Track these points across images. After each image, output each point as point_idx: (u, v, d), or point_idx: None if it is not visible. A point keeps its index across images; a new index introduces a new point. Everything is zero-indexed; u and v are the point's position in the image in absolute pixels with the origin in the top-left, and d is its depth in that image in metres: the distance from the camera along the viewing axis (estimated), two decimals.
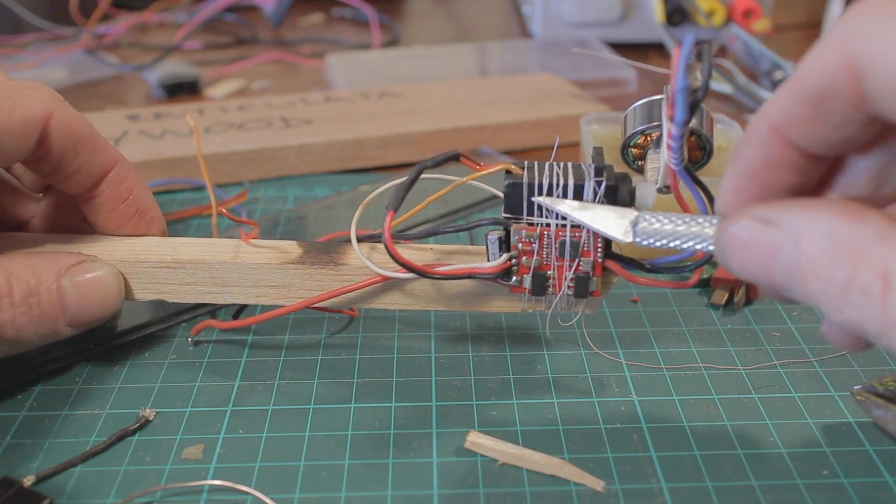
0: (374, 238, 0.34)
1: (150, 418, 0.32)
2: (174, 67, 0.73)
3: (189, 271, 0.33)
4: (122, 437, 0.31)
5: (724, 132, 0.47)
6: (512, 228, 0.30)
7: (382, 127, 0.58)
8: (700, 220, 0.26)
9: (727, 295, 0.39)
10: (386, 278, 0.32)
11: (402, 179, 0.30)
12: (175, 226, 0.48)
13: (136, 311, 0.39)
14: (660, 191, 0.31)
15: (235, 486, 0.29)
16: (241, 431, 0.32)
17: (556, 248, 0.30)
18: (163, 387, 0.34)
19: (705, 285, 0.41)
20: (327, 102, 0.63)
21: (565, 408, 0.33)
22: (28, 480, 0.29)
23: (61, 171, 0.33)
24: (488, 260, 0.31)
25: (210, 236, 0.35)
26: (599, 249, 0.30)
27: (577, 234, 0.30)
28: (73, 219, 0.36)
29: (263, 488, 0.29)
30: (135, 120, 0.59)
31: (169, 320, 0.38)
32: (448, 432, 0.32)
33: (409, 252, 0.33)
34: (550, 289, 0.31)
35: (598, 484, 0.29)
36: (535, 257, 0.31)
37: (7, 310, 0.30)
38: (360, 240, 0.33)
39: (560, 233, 0.30)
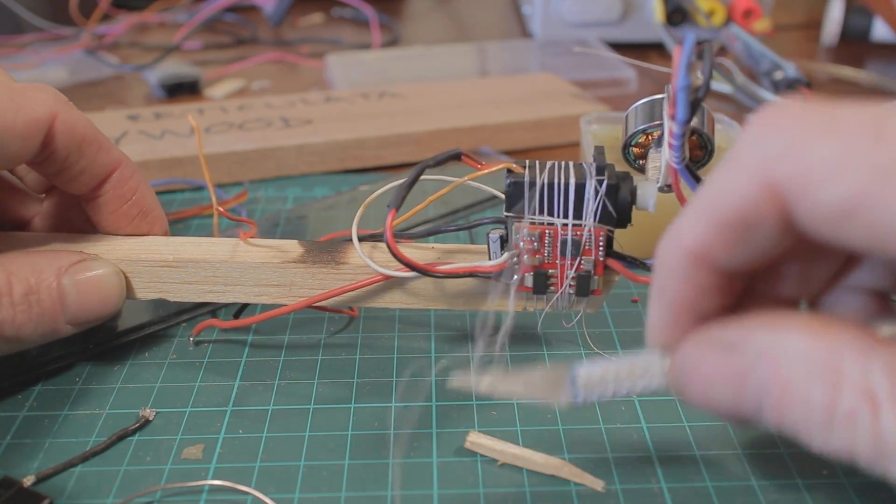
0: (376, 237, 0.34)
1: (150, 418, 0.32)
2: (174, 67, 0.73)
3: (190, 270, 0.33)
4: (122, 437, 0.31)
5: (725, 132, 0.47)
6: (513, 227, 0.30)
7: (382, 127, 0.58)
8: (642, 356, 0.25)
9: None
10: (387, 277, 0.32)
11: (403, 179, 0.30)
12: (175, 225, 0.48)
13: (136, 311, 0.39)
14: (661, 189, 0.31)
15: (235, 487, 0.29)
16: (241, 431, 0.32)
17: (557, 246, 0.31)
18: (163, 387, 0.34)
19: None
20: (327, 102, 0.63)
21: (565, 408, 0.33)
22: (28, 480, 0.29)
23: (65, 172, 0.33)
24: (490, 258, 0.32)
25: (211, 236, 0.35)
26: (601, 248, 0.31)
27: (578, 233, 0.30)
28: (75, 218, 0.36)
29: (263, 488, 0.29)
30: (135, 120, 0.59)
31: (169, 320, 0.38)
32: (448, 432, 0.32)
33: (410, 251, 0.33)
34: (552, 287, 0.31)
35: (598, 484, 0.29)
36: (536, 256, 0.31)
37: (7, 308, 0.30)
38: (361, 239, 0.33)
39: (562, 232, 0.30)
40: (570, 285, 0.31)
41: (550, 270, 0.31)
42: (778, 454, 0.30)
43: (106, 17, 0.92)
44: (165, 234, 0.36)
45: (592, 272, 0.31)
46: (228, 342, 0.37)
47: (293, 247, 0.34)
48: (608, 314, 0.39)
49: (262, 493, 0.29)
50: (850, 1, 0.84)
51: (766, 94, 0.64)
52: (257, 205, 0.51)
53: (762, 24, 0.78)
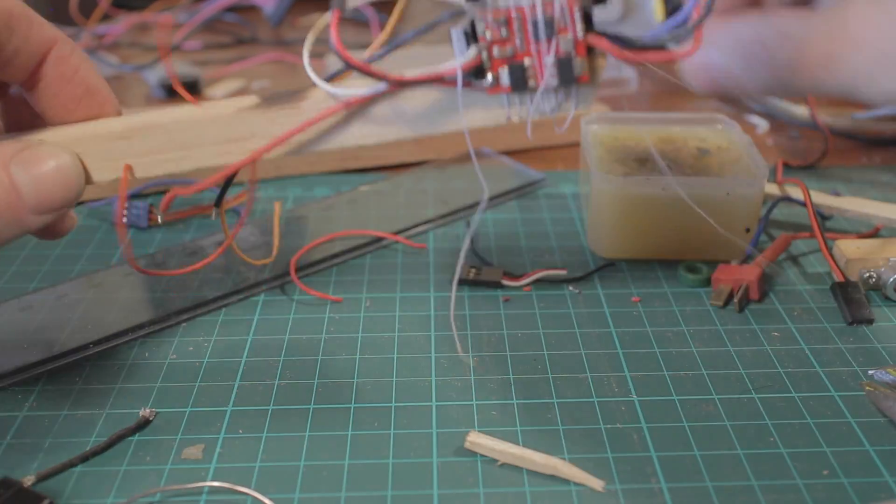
0: (334, 76, 0.31)
1: (150, 418, 0.32)
2: (174, 67, 0.73)
3: (143, 140, 0.31)
4: (121, 437, 0.31)
5: (725, 132, 0.47)
6: (476, 17, 0.27)
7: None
8: None
9: (727, 295, 0.39)
10: (348, 103, 0.29)
11: None
12: (175, 225, 0.48)
13: (136, 311, 0.39)
14: None
15: (235, 488, 0.29)
16: (241, 431, 0.32)
17: (529, 31, 0.27)
18: (163, 387, 0.34)
19: (705, 285, 0.41)
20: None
21: (565, 408, 0.33)
22: (28, 480, 0.29)
23: None
24: (455, 58, 0.28)
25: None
26: (578, 23, 0.27)
27: (549, 10, 0.27)
28: (28, 122, 0.34)
29: (263, 488, 0.29)
30: None
31: (169, 320, 0.38)
32: (448, 432, 0.32)
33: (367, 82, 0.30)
34: (531, 81, 0.28)
35: (598, 484, 0.29)
36: (507, 46, 0.27)
37: None
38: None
39: (531, 12, 0.27)
40: (552, 75, 0.27)
41: (526, 60, 0.28)
42: (778, 454, 0.30)
43: (106, 17, 0.92)
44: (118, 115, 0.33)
45: (573, 53, 0.27)
46: (228, 342, 0.37)
47: (250, 99, 0.31)
48: (608, 314, 0.39)
49: (261, 493, 0.29)
50: None
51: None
52: (257, 205, 0.51)
53: None
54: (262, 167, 0.55)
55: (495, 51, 0.27)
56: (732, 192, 0.41)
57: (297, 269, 0.42)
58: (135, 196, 0.50)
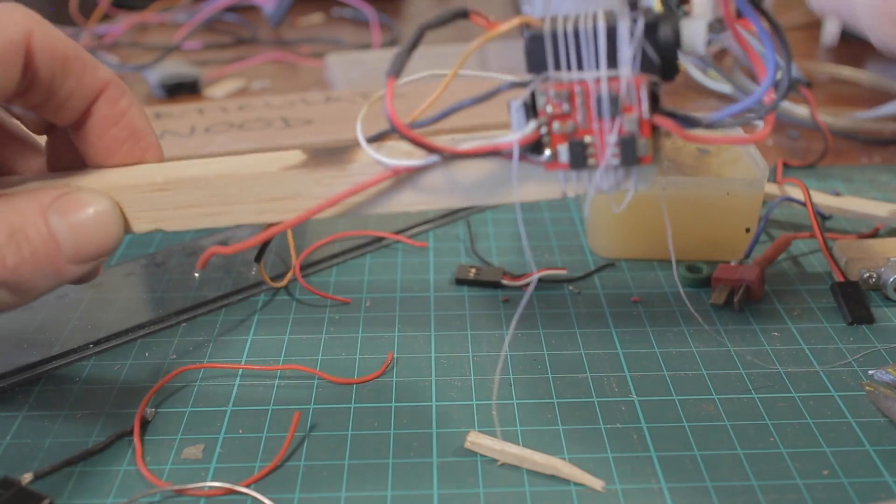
0: (382, 135, 0.30)
1: (150, 418, 0.32)
2: (174, 67, 0.73)
3: (184, 192, 0.30)
4: (121, 437, 0.31)
5: (724, 132, 0.47)
6: (537, 89, 0.26)
7: (382, 127, 0.57)
8: None
9: (727, 295, 0.39)
10: (396, 171, 0.28)
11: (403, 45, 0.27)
12: None
13: (136, 310, 0.39)
14: (711, 27, 0.26)
15: (235, 488, 0.29)
16: (241, 431, 0.32)
17: (591, 107, 0.26)
18: (163, 386, 0.34)
19: (705, 285, 0.41)
20: (327, 102, 0.63)
21: (565, 408, 0.33)
22: (28, 480, 0.29)
23: (53, 98, 0.30)
24: (513, 132, 0.27)
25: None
26: (644, 102, 0.25)
27: (614, 86, 0.25)
28: (74, 163, 0.33)
29: (263, 489, 0.29)
30: None
31: (169, 320, 0.38)
32: (448, 432, 0.32)
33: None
34: (591, 159, 0.26)
35: (598, 484, 0.29)
36: (568, 121, 0.26)
37: None
38: (368, 141, 0.30)
39: (595, 87, 0.25)
40: (614, 154, 0.26)
41: (587, 138, 0.26)
42: (778, 454, 0.30)
43: (106, 17, 0.92)
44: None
45: (637, 133, 0.26)
46: (228, 342, 0.37)
47: (295, 155, 0.30)
48: (608, 314, 0.39)
49: (261, 493, 0.29)
50: None
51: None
52: None
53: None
54: None
55: (556, 126, 0.26)
56: (732, 193, 0.41)
57: (296, 272, 0.42)
58: None
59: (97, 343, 0.36)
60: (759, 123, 0.27)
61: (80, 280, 0.31)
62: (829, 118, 0.60)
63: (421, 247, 0.45)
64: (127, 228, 0.31)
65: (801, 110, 0.61)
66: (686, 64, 0.69)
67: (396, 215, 0.48)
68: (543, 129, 0.26)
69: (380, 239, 0.45)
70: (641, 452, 0.31)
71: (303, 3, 1.00)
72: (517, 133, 0.26)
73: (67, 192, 0.29)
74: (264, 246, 0.33)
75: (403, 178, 0.28)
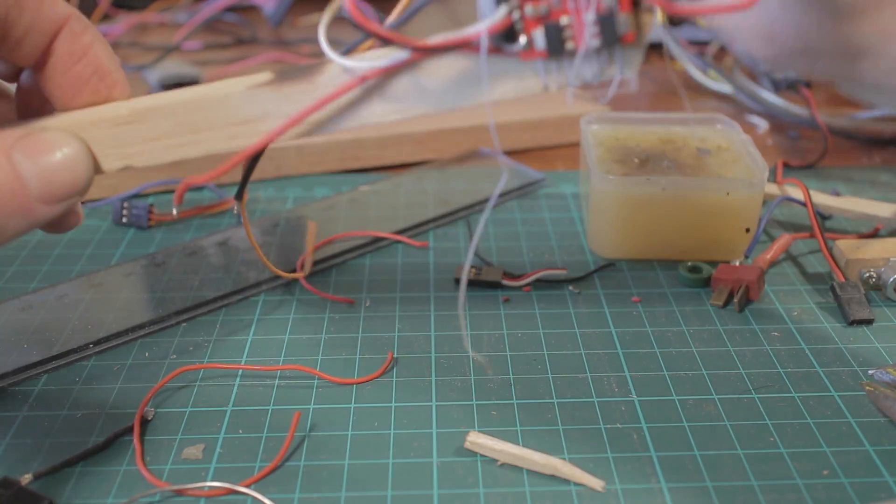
0: (352, 48, 0.29)
1: (150, 418, 0.32)
2: (174, 67, 0.73)
3: (151, 123, 0.29)
4: (121, 437, 0.31)
5: (724, 132, 0.47)
6: None
7: (382, 127, 0.58)
8: None
9: (727, 295, 0.39)
10: (364, 77, 0.27)
11: None
12: (175, 226, 0.48)
13: (136, 310, 0.39)
14: None
15: (235, 488, 0.29)
16: (241, 431, 0.32)
17: None
18: (163, 387, 0.34)
19: (705, 285, 0.41)
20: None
21: (565, 408, 0.33)
22: (27, 480, 0.29)
23: (8, 35, 0.28)
24: (482, 20, 0.25)
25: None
26: None
27: None
28: (41, 110, 0.32)
29: (263, 488, 0.29)
30: None
31: (169, 320, 0.38)
32: (448, 432, 0.32)
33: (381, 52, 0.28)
34: (570, 43, 0.25)
35: (598, 484, 0.29)
36: (542, 3, 0.24)
37: None
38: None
39: None
40: (593, 35, 0.24)
41: (563, 19, 0.24)
42: (778, 454, 0.30)
43: (106, 17, 0.92)
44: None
45: (616, 8, 0.24)
46: (228, 341, 0.37)
47: (263, 75, 0.29)
48: (608, 314, 0.39)
49: (261, 493, 0.29)
50: None
51: (767, 94, 0.64)
52: (257, 205, 0.51)
53: None
54: (262, 167, 0.55)
55: (528, 9, 0.24)
56: (732, 192, 0.41)
57: (298, 270, 0.42)
58: (135, 196, 0.50)
59: (97, 343, 0.36)
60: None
61: (58, 227, 0.31)
62: (829, 118, 0.60)
63: (422, 246, 0.45)
64: (96, 168, 0.29)
65: (801, 110, 0.61)
66: (686, 64, 0.69)
67: (396, 215, 0.48)
68: (516, 14, 0.24)
69: (379, 239, 0.45)
70: (641, 452, 0.31)
71: (303, 3, 1.00)
72: (486, 21, 0.24)
73: (30, 132, 0.28)
74: (244, 179, 0.32)
75: (372, 86, 0.27)
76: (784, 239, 0.43)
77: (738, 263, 0.41)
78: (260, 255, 0.35)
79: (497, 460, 0.30)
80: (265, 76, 0.28)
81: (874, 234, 0.45)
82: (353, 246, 0.45)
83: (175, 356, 0.36)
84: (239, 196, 0.32)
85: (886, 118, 0.60)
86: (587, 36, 0.24)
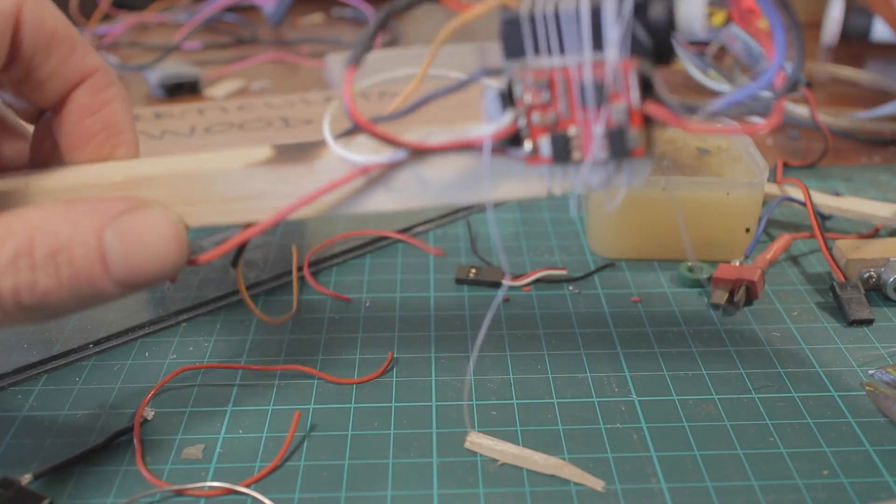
0: (352, 131, 0.28)
1: (150, 418, 0.32)
2: (174, 67, 0.73)
3: (145, 191, 0.28)
4: (121, 437, 0.31)
5: (726, 122, 0.47)
6: (514, 77, 0.23)
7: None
8: None
9: (727, 295, 0.39)
10: (365, 169, 0.26)
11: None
12: None
13: (136, 310, 0.39)
14: (712, 2, 0.23)
15: (235, 488, 0.29)
16: (241, 431, 0.32)
17: (574, 95, 0.23)
18: (163, 387, 0.34)
19: (705, 285, 0.41)
20: (327, 102, 0.63)
21: (565, 408, 0.33)
22: (27, 480, 0.29)
23: (32, 76, 0.28)
24: (487, 123, 0.24)
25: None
26: (633, 89, 0.23)
27: (600, 72, 0.23)
28: (53, 152, 0.31)
29: (263, 488, 0.29)
30: (135, 120, 0.59)
31: (169, 320, 0.38)
32: (448, 432, 0.32)
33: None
34: (576, 153, 0.24)
35: (598, 484, 0.29)
36: (549, 112, 0.23)
37: (25, 272, 0.24)
38: (339, 136, 0.28)
39: (577, 73, 0.23)
40: (602, 147, 0.23)
41: (571, 129, 0.24)
42: (778, 454, 0.30)
43: (106, 17, 0.92)
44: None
45: (627, 124, 0.23)
46: (228, 341, 0.37)
47: (261, 151, 0.28)
48: (608, 314, 0.39)
49: (261, 493, 0.29)
50: (850, 1, 0.84)
51: (767, 95, 0.64)
52: None
53: (762, 25, 0.78)
54: None
55: (535, 117, 0.24)
56: (732, 192, 0.41)
57: (298, 270, 0.42)
58: None
59: (97, 343, 0.36)
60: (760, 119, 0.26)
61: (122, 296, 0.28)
62: (829, 118, 0.60)
63: (437, 255, 0.45)
64: None
65: (801, 110, 0.61)
66: (686, 64, 0.69)
67: (396, 215, 0.48)
68: (522, 121, 0.24)
69: (380, 239, 0.45)
70: (641, 452, 0.31)
71: (303, 3, 1.00)
72: (492, 125, 0.24)
73: (133, 208, 0.26)
74: (240, 249, 0.31)
75: (375, 176, 0.26)
76: (784, 239, 0.43)
77: (738, 263, 0.41)
78: (252, 308, 0.35)
79: (497, 460, 0.30)
80: (264, 153, 0.28)
81: (874, 234, 0.44)
82: (352, 246, 0.45)
83: (175, 356, 0.36)
84: (234, 264, 0.32)
85: (886, 118, 0.60)
86: (595, 148, 0.24)
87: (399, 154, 0.26)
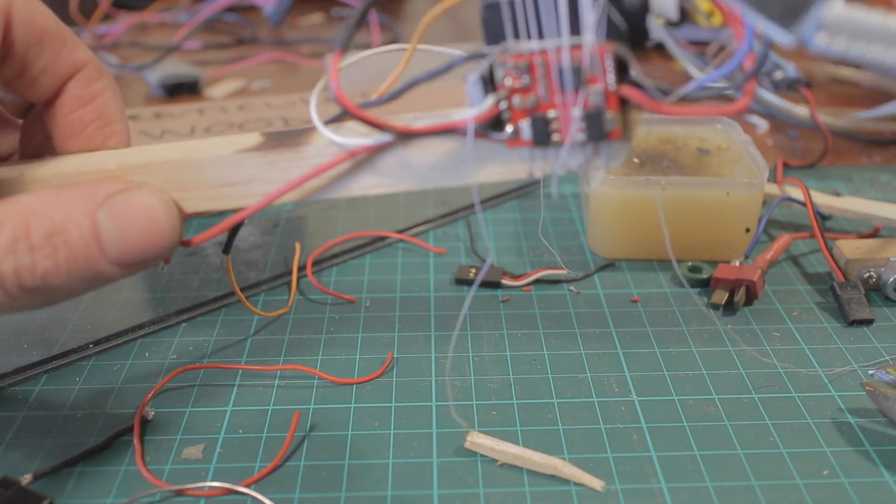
0: (341, 117, 0.29)
1: (150, 418, 0.32)
2: (174, 67, 0.73)
3: (138, 179, 0.28)
4: (121, 437, 0.31)
5: (725, 132, 0.47)
6: (495, 62, 0.24)
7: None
8: None
9: (727, 295, 0.39)
10: (353, 152, 0.27)
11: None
12: None
13: (136, 311, 0.39)
14: None
15: (235, 488, 0.29)
16: (241, 431, 0.32)
17: (553, 78, 0.24)
18: (163, 387, 0.34)
19: (705, 285, 0.41)
20: (327, 102, 0.63)
21: (565, 408, 0.33)
22: (27, 480, 0.29)
23: (25, 73, 0.28)
24: (470, 107, 0.25)
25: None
26: (610, 73, 0.24)
27: (577, 56, 0.23)
28: (44, 143, 0.32)
29: (263, 488, 0.29)
30: (135, 120, 0.59)
31: (169, 320, 0.38)
32: (448, 432, 0.32)
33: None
34: (556, 135, 0.25)
35: (598, 484, 0.29)
36: (529, 95, 0.24)
37: (23, 254, 0.25)
38: (327, 122, 0.29)
39: (556, 57, 0.24)
40: (580, 129, 0.24)
41: (551, 112, 0.25)
42: (778, 454, 0.30)
43: (106, 18, 0.92)
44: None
45: (604, 106, 0.24)
46: (228, 341, 0.37)
47: (251, 137, 0.29)
48: (608, 314, 0.39)
49: (261, 493, 0.29)
50: (850, 1, 0.83)
51: (767, 94, 0.64)
52: None
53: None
54: None
55: (516, 101, 0.24)
56: (732, 192, 0.41)
57: (298, 270, 0.42)
58: None
59: (97, 343, 0.36)
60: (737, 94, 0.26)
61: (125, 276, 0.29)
62: (829, 118, 0.60)
63: (440, 252, 0.45)
64: None
65: (801, 110, 0.61)
66: (686, 64, 0.69)
67: (396, 215, 0.48)
68: (503, 104, 0.25)
69: (380, 239, 0.45)
70: (641, 452, 0.31)
71: (303, 3, 1.00)
72: (474, 109, 0.25)
73: (125, 189, 0.26)
74: (231, 236, 0.32)
75: (362, 160, 0.27)
76: (784, 239, 0.43)
77: (738, 263, 0.41)
78: (242, 299, 0.35)
79: (497, 460, 0.30)
80: (254, 139, 0.28)
81: (874, 234, 0.44)
82: (353, 246, 0.45)
83: (175, 356, 0.36)
84: (226, 251, 0.32)
85: (886, 118, 0.60)
86: (573, 130, 0.25)
87: (384, 137, 0.26)
